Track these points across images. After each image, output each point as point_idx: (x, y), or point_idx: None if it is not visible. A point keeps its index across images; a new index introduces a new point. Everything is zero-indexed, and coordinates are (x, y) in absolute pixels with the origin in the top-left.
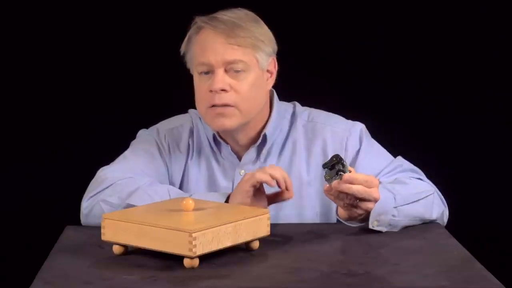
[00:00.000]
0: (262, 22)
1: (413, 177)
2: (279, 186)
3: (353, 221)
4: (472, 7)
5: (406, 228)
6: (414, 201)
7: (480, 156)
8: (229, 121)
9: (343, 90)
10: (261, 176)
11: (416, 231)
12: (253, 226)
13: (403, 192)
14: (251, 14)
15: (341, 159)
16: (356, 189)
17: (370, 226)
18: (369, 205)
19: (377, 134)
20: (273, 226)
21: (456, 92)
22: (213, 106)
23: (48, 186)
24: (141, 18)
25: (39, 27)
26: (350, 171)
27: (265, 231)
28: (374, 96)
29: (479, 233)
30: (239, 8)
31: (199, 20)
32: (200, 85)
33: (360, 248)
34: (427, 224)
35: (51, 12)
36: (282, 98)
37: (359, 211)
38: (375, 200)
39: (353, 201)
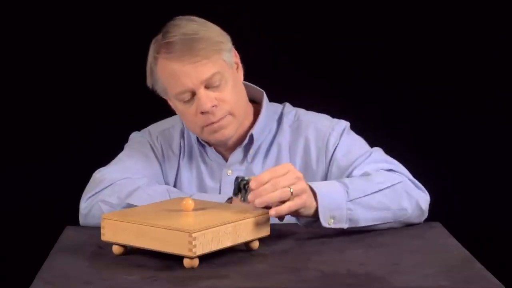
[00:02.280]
0: (209, 22)
1: (382, 169)
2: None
3: (303, 218)
4: (472, 7)
5: (405, 227)
6: (374, 192)
7: (480, 156)
8: (228, 130)
9: (343, 90)
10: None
11: (416, 230)
12: (253, 226)
13: (360, 184)
14: (197, 19)
15: (242, 178)
16: (268, 186)
17: (326, 225)
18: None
19: (376, 134)
20: (273, 226)
21: (456, 92)
22: (209, 124)
23: (48, 186)
24: (141, 18)
25: (39, 27)
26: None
27: (265, 231)
28: (374, 96)
29: (479, 233)
30: (180, 17)
31: (152, 51)
32: (185, 110)
33: (360, 248)
34: (426, 224)
35: (51, 12)
36: (282, 98)
37: (292, 204)
38: (292, 184)
39: (285, 195)
